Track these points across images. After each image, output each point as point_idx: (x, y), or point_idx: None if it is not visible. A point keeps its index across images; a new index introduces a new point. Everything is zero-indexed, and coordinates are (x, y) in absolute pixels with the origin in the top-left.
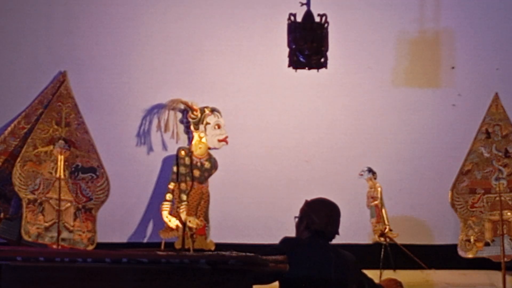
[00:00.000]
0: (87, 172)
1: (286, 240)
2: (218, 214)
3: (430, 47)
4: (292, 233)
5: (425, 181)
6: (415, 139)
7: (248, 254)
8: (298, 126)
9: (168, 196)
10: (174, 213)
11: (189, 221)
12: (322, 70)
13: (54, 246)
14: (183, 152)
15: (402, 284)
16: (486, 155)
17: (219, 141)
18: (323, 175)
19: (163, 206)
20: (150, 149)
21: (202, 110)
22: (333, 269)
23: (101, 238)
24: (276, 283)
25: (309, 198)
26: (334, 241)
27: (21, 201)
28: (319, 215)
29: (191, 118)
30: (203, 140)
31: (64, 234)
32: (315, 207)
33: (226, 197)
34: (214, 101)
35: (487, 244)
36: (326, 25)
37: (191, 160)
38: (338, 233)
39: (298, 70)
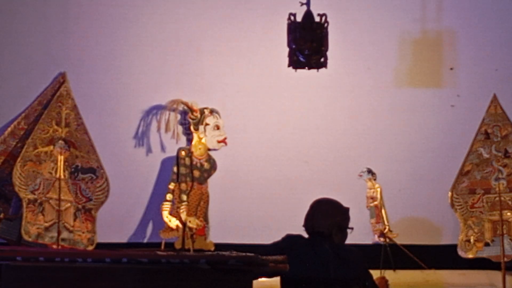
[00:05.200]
0: (87, 173)
1: (287, 238)
2: (217, 214)
3: (431, 48)
4: (291, 233)
5: (424, 182)
6: (415, 140)
7: (248, 254)
8: (297, 127)
9: (169, 196)
10: (174, 213)
11: (189, 221)
12: (322, 70)
13: (54, 246)
14: (183, 153)
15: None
16: (486, 155)
17: (218, 142)
18: (322, 175)
19: (164, 206)
20: (150, 150)
21: (202, 111)
22: (332, 268)
23: (101, 238)
24: (277, 284)
25: (308, 199)
26: None
27: (21, 201)
28: (306, 216)
29: (191, 119)
30: (203, 140)
31: (64, 234)
32: (309, 209)
33: (226, 198)
34: (213, 101)
35: (487, 244)
36: (326, 25)
37: (191, 160)
38: (332, 227)
39: (298, 70)
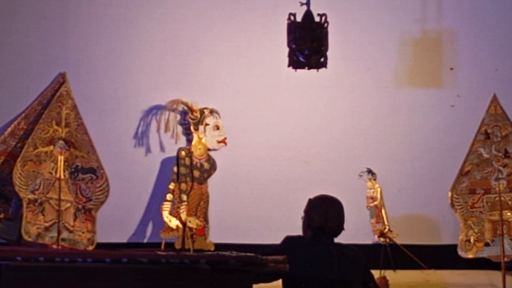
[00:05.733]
0: (87, 173)
1: (288, 240)
2: (217, 214)
3: (431, 48)
4: (291, 233)
5: (424, 182)
6: (415, 140)
7: (248, 254)
8: (297, 127)
9: (169, 196)
10: (174, 213)
11: (189, 221)
12: (322, 70)
13: (54, 246)
14: (183, 153)
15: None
16: (486, 155)
17: (218, 142)
18: (322, 175)
19: (164, 206)
20: (150, 150)
21: (202, 111)
22: (337, 267)
23: (101, 238)
24: (279, 284)
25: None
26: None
27: (21, 201)
28: (317, 212)
29: (190, 119)
30: (203, 141)
31: (64, 234)
32: (313, 205)
33: (226, 198)
34: (213, 102)
35: (487, 244)
36: (326, 24)
37: (191, 160)
38: (341, 228)
39: (298, 70)
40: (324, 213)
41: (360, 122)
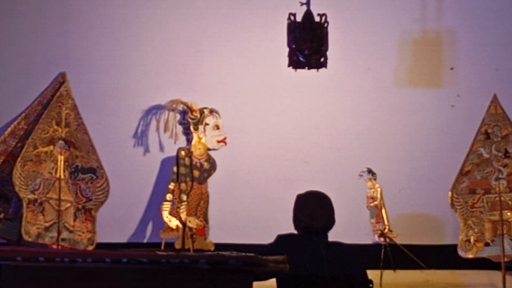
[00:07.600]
0: (87, 173)
1: (280, 238)
2: (217, 214)
3: (431, 48)
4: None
5: (424, 182)
6: (415, 140)
7: (248, 254)
8: (297, 127)
9: (168, 196)
10: (174, 213)
11: (189, 221)
12: (322, 70)
13: (54, 246)
14: (183, 153)
15: None
16: (486, 155)
17: (218, 142)
18: (322, 175)
19: (163, 206)
20: (149, 150)
21: (202, 111)
22: (326, 265)
23: (101, 238)
24: (274, 284)
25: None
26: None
27: (21, 201)
28: (303, 213)
29: (190, 119)
30: (202, 140)
31: (64, 234)
32: (300, 204)
33: (226, 198)
34: (213, 101)
35: (487, 244)
36: (326, 24)
37: (191, 160)
38: (331, 224)
39: (298, 70)
40: (309, 213)
41: (360, 122)
